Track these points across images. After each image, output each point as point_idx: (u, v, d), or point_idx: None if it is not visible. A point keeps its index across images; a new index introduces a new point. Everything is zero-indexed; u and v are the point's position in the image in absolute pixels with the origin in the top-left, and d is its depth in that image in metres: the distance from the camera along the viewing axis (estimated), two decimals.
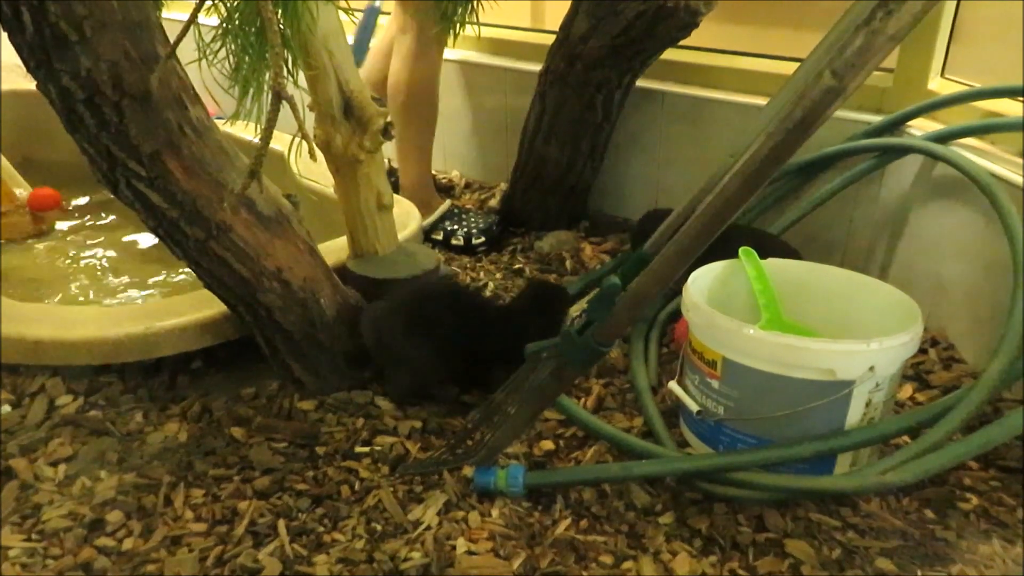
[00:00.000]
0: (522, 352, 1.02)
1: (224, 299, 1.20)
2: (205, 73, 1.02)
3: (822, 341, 0.99)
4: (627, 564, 0.95)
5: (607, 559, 0.96)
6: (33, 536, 1.01)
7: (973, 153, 1.30)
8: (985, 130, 1.34)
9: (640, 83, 1.71)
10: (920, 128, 1.42)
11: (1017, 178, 1.21)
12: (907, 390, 1.24)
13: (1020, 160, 1.27)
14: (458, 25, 1.38)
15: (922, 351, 1.33)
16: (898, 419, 1.01)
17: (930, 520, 1.01)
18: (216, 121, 1.07)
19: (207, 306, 1.25)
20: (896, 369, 1.01)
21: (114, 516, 1.04)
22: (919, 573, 0.93)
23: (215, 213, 1.06)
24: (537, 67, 1.74)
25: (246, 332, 1.25)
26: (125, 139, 0.96)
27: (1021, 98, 1.34)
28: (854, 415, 1.00)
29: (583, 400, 1.26)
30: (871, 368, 0.96)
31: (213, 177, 1.04)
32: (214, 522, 1.03)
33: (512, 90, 1.96)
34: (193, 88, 1.02)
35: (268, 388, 1.29)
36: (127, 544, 1.00)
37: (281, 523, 1.02)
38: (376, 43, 1.93)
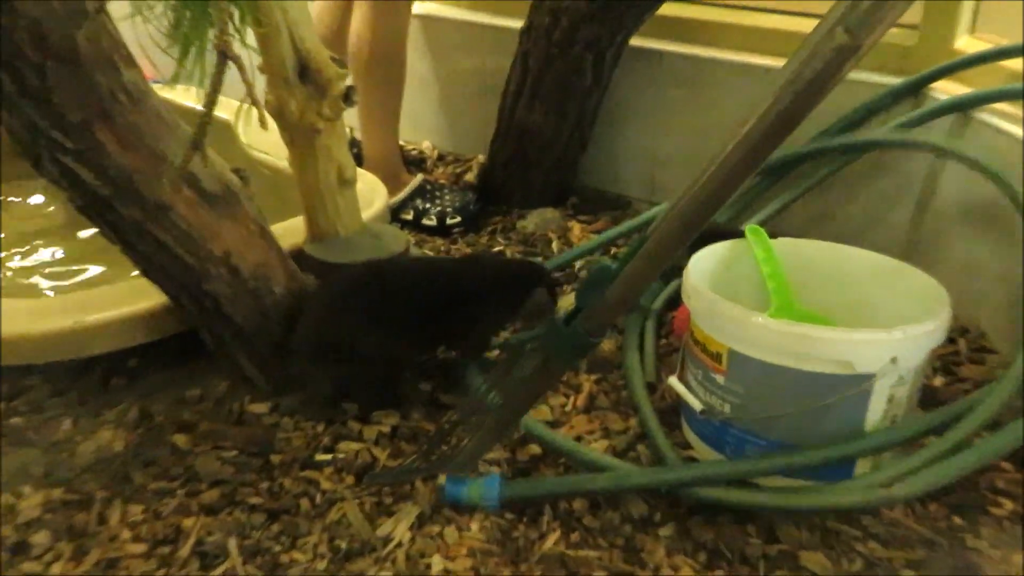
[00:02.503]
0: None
1: (164, 288, 1.19)
2: (140, 31, 1.00)
3: (839, 330, 1.00)
4: None
5: None
6: None
7: (1001, 118, 1.31)
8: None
9: (634, 42, 1.72)
10: (944, 91, 1.43)
11: None
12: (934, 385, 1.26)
13: None
14: None
15: (950, 340, 1.34)
16: (924, 419, 1.02)
17: (959, 527, 1.03)
18: (153, 85, 1.06)
19: (145, 297, 1.24)
20: (921, 361, 1.02)
21: (40, 537, 1.04)
22: None
23: (153, 190, 1.05)
24: (518, 24, 1.74)
25: (190, 326, 1.25)
26: (48, 107, 0.95)
27: None
28: (875, 413, 1.01)
29: (572, 398, 1.26)
30: (893, 360, 0.97)
31: (151, 149, 1.03)
32: (155, 542, 1.03)
33: (491, 50, 1.96)
34: (127, 48, 1.01)
35: (216, 389, 1.28)
36: (55, 569, 1.00)
37: (232, 542, 1.02)
38: None
